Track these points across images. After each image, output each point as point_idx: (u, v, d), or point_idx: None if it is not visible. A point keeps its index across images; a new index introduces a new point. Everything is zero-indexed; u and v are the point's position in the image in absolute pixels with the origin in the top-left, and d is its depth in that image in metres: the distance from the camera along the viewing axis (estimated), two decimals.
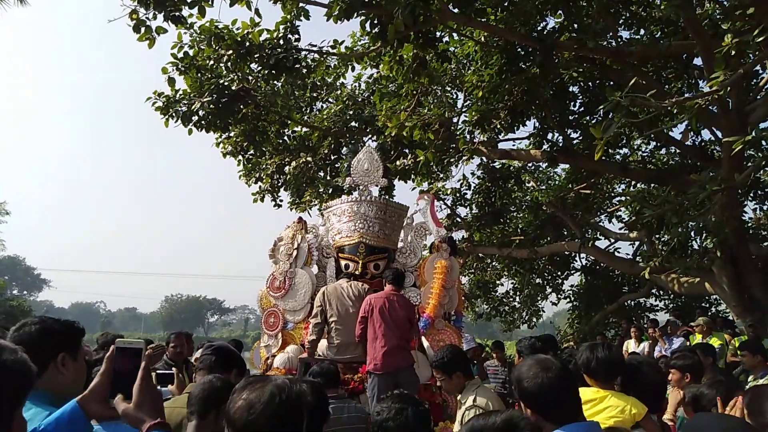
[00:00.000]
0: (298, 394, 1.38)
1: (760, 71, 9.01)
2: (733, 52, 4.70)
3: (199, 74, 8.78)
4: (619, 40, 8.21)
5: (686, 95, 5.01)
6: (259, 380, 1.40)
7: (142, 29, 6.94)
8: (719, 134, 8.50)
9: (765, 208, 11.63)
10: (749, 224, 11.40)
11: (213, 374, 2.03)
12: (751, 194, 10.85)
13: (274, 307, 5.71)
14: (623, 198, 13.38)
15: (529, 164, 13.23)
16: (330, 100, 12.22)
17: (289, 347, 5.32)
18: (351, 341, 4.74)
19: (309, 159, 11.71)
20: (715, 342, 7.45)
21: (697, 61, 8.42)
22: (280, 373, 4.82)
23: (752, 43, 4.66)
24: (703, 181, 5.59)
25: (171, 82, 8.38)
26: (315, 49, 8.43)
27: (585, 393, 2.61)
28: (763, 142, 6.03)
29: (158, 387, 2.80)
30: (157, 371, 2.79)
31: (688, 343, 7.80)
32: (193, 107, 8.69)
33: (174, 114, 8.83)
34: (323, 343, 5.01)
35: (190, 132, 9.06)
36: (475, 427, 1.32)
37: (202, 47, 8.30)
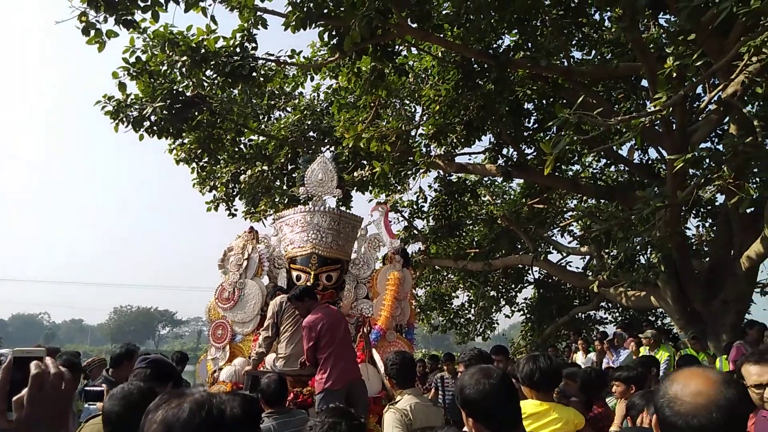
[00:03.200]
0: (220, 408, 1.28)
1: (702, 94, 9.46)
2: (675, 74, 4.92)
3: (151, 79, 8.57)
4: (571, 59, 8.46)
5: (631, 115, 5.18)
6: (175, 397, 1.28)
7: (92, 32, 6.74)
8: (665, 153, 8.85)
9: (707, 224, 12.16)
10: (692, 240, 11.87)
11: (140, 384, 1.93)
12: (694, 211, 11.32)
13: (222, 318, 5.57)
14: (574, 213, 13.73)
15: (485, 178, 13.43)
16: (288, 109, 12.13)
17: (237, 360, 5.19)
18: (302, 353, 4.65)
19: (265, 168, 11.57)
20: (663, 354, 7.69)
21: (644, 82, 8.77)
22: (227, 387, 4.70)
23: (692, 66, 4.88)
24: (647, 198, 5.78)
25: (122, 86, 8.16)
26: (272, 58, 8.36)
27: (527, 406, 2.65)
28: (705, 161, 6.31)
29: (86, 404, 2.67)
30: (85, 388, 2.64)
31: (634, 357, 8.03)
32: (144, 112, 8.47)
33: (124, 119, 8.58)
34: (270, 357, 4.91)
35: (141, 138, 8.83)
36: None
37: (156, 52, 8.12)
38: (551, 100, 10.22)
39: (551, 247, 13.83)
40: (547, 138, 10.04)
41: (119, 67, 8.17)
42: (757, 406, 2.64)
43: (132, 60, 8.20)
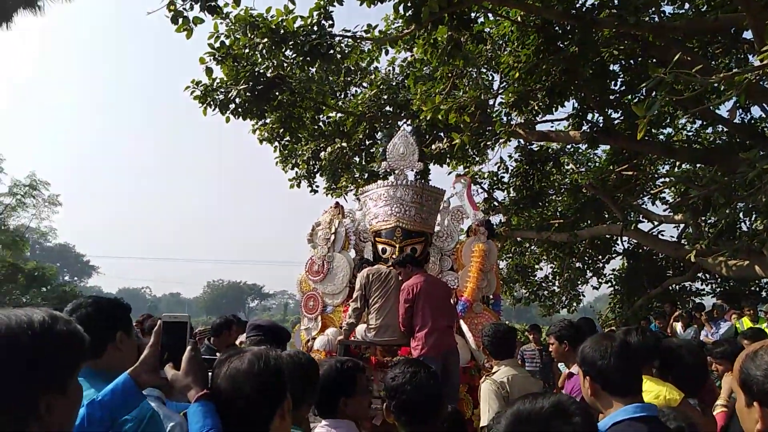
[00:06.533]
0: (276, 360, 1.48)
1: None
2: None
3: (235, 63, 8.88)
4: (662, 15, 7.90)
5: (735, 70, 4.79)
6: (238, 352, 1.49)
7: (180, 20, 7.06)
8: None
9: None
10: None
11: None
12: None
13: (313, 290, 5.80)
14: (667, 179, 12.97)
15: (568, 146, 12.95)
16: (364, 84, 12.20)
17: (329, 330, 5.40)
18: (391, 323, 4.76)
19: (344, 144, 11.75)
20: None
21: (747, 34, 8.04)
22: (322, 355, 4.91)
23: None
24: (752, 160, 5.36)
25: (208, 71, 8.51)
26: (349, 34, 8.42)
27: None
28: None
29: None
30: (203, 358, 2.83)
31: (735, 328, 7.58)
32: (229, 95, 8.81)
33: (212, 102, 8.97)
34: (361, 327, 5.06)
35: (227, 120, 9.20)
36: (521, 412, 1.27)
37: (238, 36, 8.39)
38: (639, 60, 9.63)
39: (641, 215, 13.17)
40: (636, 101, 9.53)
41: (206, 53, 8.51)
42: None
43: (216, 45, 8.51)
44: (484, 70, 10.72)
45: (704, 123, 11.46)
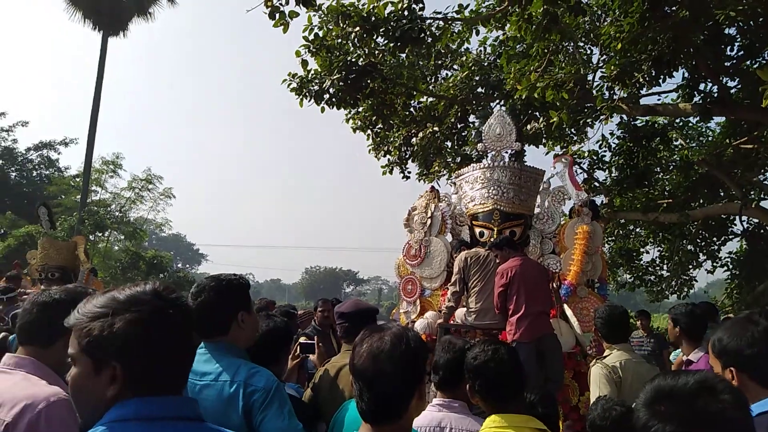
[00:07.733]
0: (415, 339, 1.50)
1: None
2: None
3: (328, 53, 9.06)
4: None
5: None
6: (376, 331, 1.51)
7: (277, 15, 7.33)
8: None
9: None
10: None
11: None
12: None
13: (411, 274, 5.86)
14: None
15: (677, 120, 12.05)
16: (455, 67, 12.02)
17: (428, 313, 5.45)
18: (490, 307, 4.71)
19: (435, 129, 11.67)
20: None
21: None
22: (422, 338, 4.97)
23: None
24: None
25: (304, 63, 8.77)
26: (440, 16, 8.33)
27: None
28: None
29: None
30: (300, 342, 2.96)
31: None
32: (324, 86, 9.01)
33: (307, 94, 9.23)
34: (461, 310, 5.04)
35: (322, 110, 9.43)
36: (662, 387, 1.20)
37: (330, 27, 8.56)
38: (761, 20, 8.73)
39: (763, 192, 12.02)
40: (757, 66, 8.66)
41: (301, 46, 8.76)
42: None
43: (311, 37, 8.74)
44: (582, 44, 10.19)
45: None
